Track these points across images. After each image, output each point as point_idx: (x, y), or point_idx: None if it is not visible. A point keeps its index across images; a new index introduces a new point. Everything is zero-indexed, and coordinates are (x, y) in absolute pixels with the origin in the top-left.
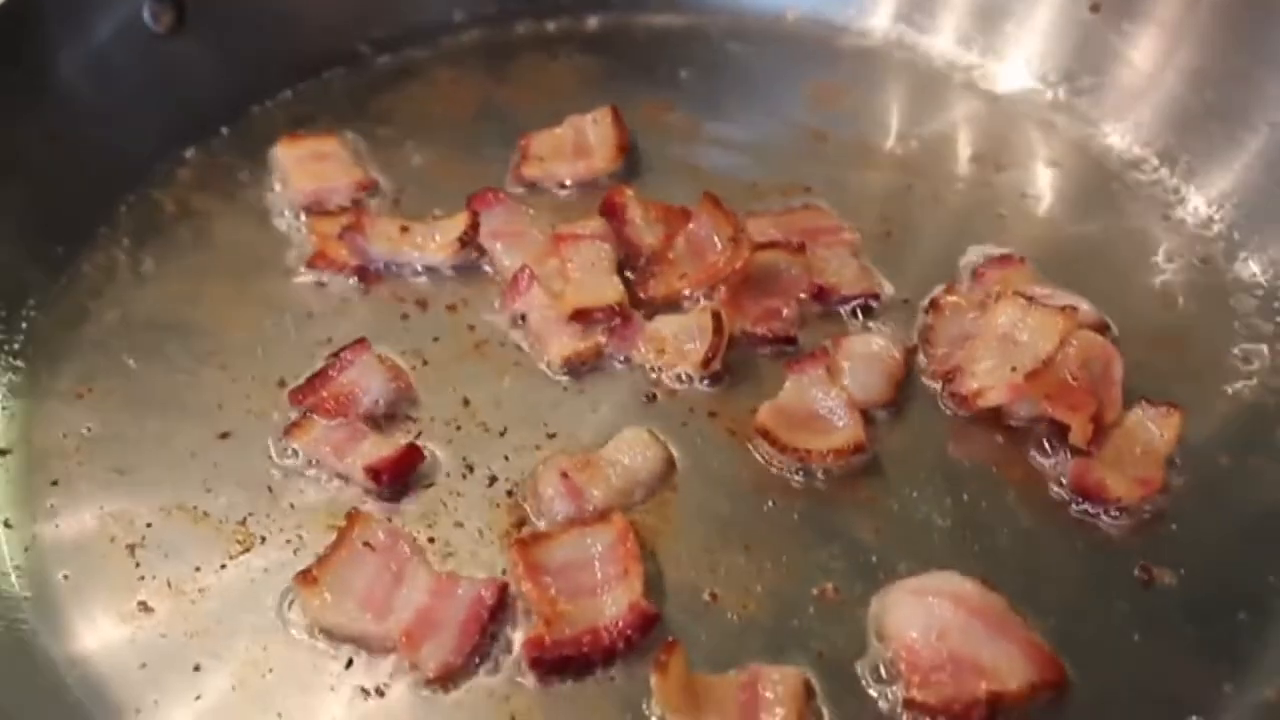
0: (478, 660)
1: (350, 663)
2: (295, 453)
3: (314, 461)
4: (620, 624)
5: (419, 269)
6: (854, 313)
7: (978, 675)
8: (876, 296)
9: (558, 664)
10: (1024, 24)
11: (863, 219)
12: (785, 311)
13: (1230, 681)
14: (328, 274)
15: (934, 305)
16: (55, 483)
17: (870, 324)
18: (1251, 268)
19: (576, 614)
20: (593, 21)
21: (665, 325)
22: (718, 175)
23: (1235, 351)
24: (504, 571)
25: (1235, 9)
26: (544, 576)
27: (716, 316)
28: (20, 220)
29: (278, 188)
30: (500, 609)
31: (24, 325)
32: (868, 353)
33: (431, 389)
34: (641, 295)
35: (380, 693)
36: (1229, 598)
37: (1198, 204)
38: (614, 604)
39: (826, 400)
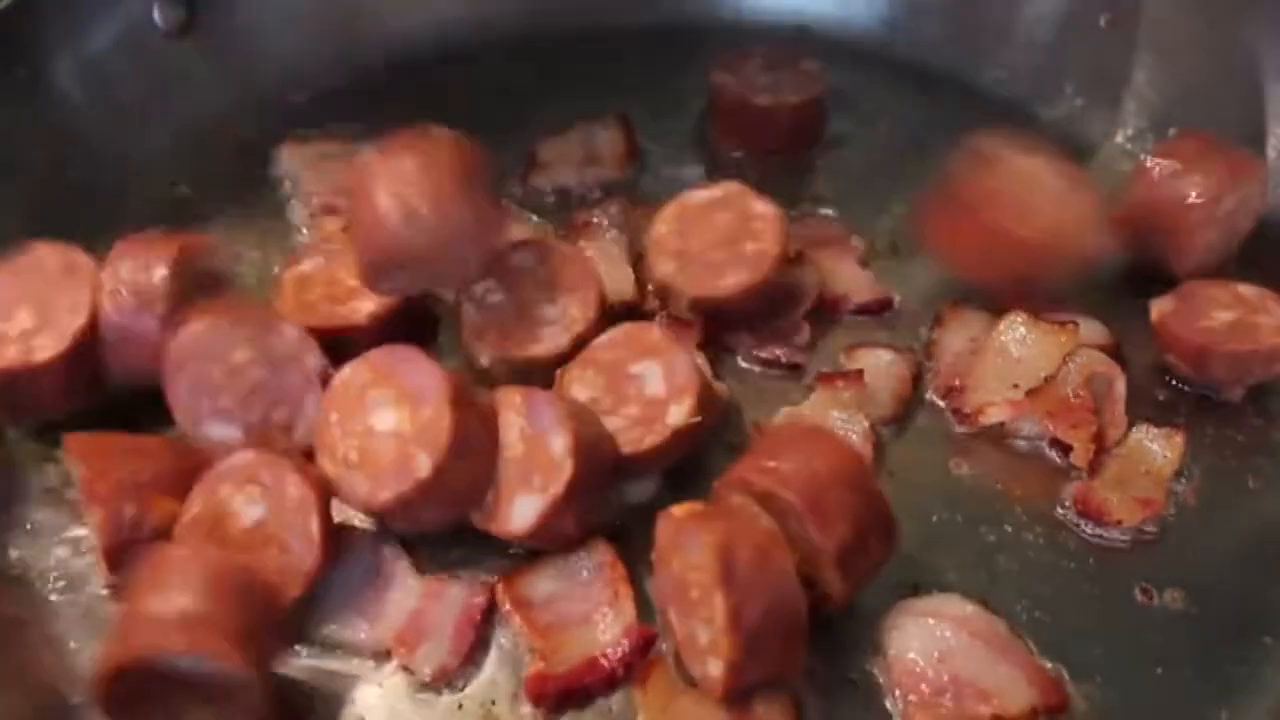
0: (472, 662)
1: (342, 670)
2: None
3: None
4: (619, 650)
5: None
6: (860, 326)
7: (979, 698)
8: (890, 303)
9: (561, 697)
10: (1035, 35)
11: (870, 231)
12: (797, 338)
13: (1227, 707)
14: None
15: (939, 320)
16: (52, 484)
17: (878, 337)
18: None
19: (573, 644)
20: (603, 27)
21: None
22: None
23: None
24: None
25: (1250, 26)
26: (532, 610)
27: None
28: (24, 222)
29: (285, 189)
30: (491, 610)
31: None
32: (877, 367)
33: None
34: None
35: (376, 697)
36: (1230, 618)
37: None
38: (608, 630)
39: (847, 423)
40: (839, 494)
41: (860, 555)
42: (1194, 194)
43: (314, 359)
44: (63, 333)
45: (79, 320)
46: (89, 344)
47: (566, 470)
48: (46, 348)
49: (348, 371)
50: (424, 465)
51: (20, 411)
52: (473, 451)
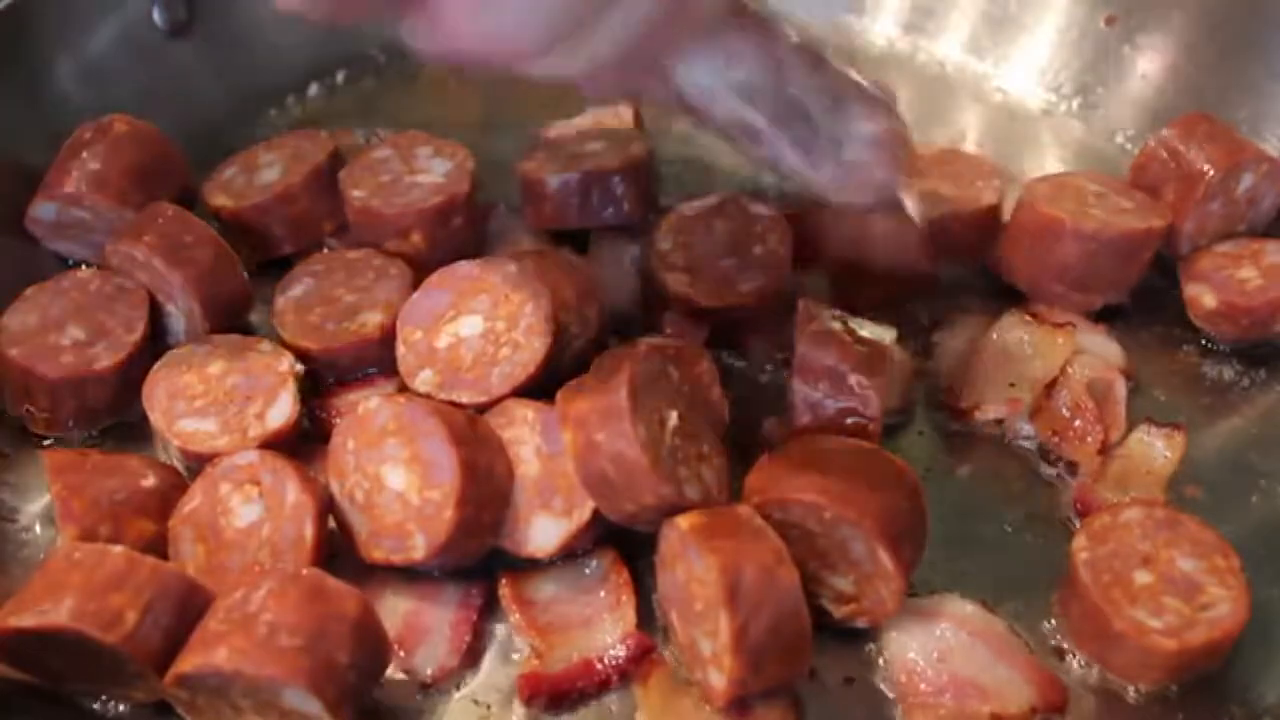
0: (472, 663)
1: None
2: None
3: None
4: (615, 655)
5: None
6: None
7: (979, 697)
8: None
9: (554, 698)
10: (1036, 35)
11: None
12: None
13: (1227, 708)
14: None
15: (939, 321)
16: None
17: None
18: None
19: (570, 645)
20: None
21: None
22: (731, 177)
23: (1244, 369)
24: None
25: (1248, 23)
26: (534, 609)
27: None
28: (23, 223)
29: None
30: (487, 608)
31: None
32: None
33: None
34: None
35: (377, 698)
36: None
37: None
38: (607, 634)
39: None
40: (907, 520)
41: (913, 566)
42: (1199, 165)
43: (286, 362)
44: (119, 344)
45: (134, 335)
46: (141, 360)
47: (590, 499)
48: (103, 357)
49: (374, 404)
50: (419, 547)
51: (60, 418)
52: (480, 526)
